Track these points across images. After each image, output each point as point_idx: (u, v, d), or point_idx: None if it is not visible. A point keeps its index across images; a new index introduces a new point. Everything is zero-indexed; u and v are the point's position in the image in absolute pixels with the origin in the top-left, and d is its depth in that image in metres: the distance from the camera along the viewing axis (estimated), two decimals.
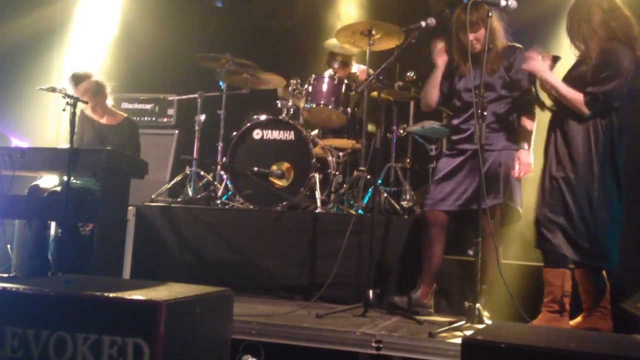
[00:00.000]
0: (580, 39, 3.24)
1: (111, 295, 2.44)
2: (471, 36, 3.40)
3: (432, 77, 3.71)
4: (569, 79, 3.29)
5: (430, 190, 3.65)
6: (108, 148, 4.14)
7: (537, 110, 3.53)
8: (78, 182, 4.15)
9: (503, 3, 3.23)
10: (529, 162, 3.43)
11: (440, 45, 3.67)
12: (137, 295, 2.40)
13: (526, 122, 3.51)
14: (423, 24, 3.60)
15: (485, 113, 3.17)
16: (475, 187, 3.41)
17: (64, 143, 4.40)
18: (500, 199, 3.44)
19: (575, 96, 3.18)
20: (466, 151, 3.54)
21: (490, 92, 3.46)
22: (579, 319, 3.33)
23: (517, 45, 3.57)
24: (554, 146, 3.29)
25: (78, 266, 4.01)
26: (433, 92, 3.72)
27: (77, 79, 4.43)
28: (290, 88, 4.90)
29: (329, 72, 5.06)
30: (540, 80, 3.34)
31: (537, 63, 3.25)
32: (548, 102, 3.42)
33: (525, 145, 3.46)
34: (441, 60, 3.68)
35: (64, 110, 3.70)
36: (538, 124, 3.57)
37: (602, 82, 3.12)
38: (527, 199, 3.85)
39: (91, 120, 4.40)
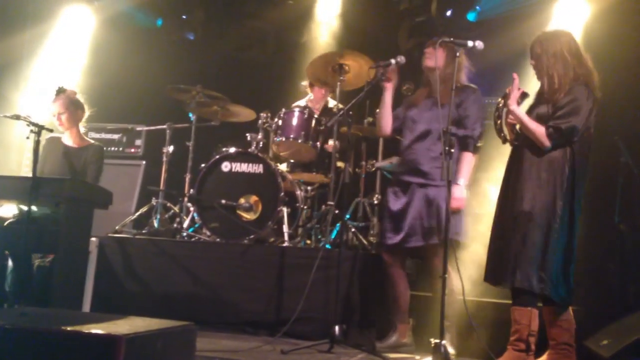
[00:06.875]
0: (549, 73, 3.32)
1: (69, 328, 2.35)
2: (429, 49, 3.57)
3: (382, 101, 3.78)
4: (531, 118, 3.37)
5: (383, 232, 3.67)
6: (69, 177, 4.06)
7: (498, 143, 3.58)
8: (37, 210, 4.05)
9: (470, 44, 3.32)
10: (461, 197, 3.53)
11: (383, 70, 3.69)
12: (95, 329, 2.32)
13: (465, 158, 3.60)
14: (393, 61, 3.67)
15: (452, 150, 3.22)
16: (421, 223, 3.52)
17: (26, 173, 4.31)
18: (442, 236, 3.40)
19: (538, 129, 3.27)
20: (409, 184, 3.58)
21: (438, 125, 3.43)
22: (544, 357, 3.34)
23: (472, 85, 3.67)
24: (516, 181, 3.34)
25: (36, 298, 3.88)
26: (386, 117, 3.79)
27: (61, 90, 4.39)
28: (260, 121, 4.91)
29: (299, 106, 5.07)
30: (507, 111, 3.40)
31: (513, 93, 3.33)
32: (510, 136, 3.48)
33: (461, 181, 3.54)
34: (388, 84, 3.73)
35: (27, 138, 3.63)
36: (495, 158, 3.64)
37: (563, 117, 3.23)
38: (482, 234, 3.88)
39: (57, 143, 4.33)
